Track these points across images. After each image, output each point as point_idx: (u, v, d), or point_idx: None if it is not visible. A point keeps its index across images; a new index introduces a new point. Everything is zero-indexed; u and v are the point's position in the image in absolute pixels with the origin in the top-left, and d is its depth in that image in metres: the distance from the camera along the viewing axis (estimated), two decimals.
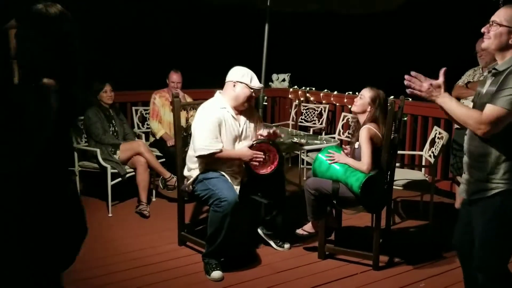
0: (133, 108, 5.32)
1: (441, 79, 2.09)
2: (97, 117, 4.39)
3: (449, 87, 2.21)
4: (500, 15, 2.05)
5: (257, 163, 3.25)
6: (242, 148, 3.30)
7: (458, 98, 3.95)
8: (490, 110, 1.99)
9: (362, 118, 3.32)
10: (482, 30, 2.09)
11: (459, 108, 2.06)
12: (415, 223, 4.20)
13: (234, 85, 3.29)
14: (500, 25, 2.03)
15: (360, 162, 3.16)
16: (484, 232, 2.12)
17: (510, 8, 2.05)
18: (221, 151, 3.19)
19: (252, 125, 3.46)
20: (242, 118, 3.39)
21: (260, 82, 4.95)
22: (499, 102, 1.96)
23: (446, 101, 2.08)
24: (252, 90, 3.29)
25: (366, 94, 3.30)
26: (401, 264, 3.40)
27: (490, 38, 2.07)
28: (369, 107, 3.27)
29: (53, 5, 1.64)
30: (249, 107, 3.50)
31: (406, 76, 2.10)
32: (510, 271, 2.19)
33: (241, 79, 3.28)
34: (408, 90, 2.12)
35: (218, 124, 3.23)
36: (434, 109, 4.18)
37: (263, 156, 3.28)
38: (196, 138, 3.22)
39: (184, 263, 3.37)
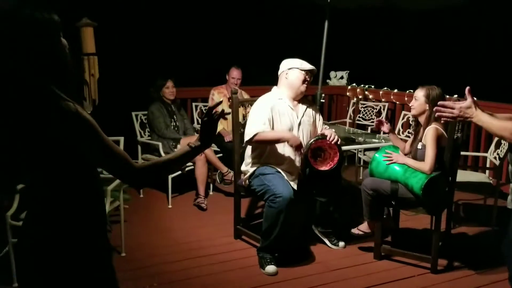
0: (193, 104, 5.49)
1: (469, 100, 2.07)
2: (160, 112, 4.58)
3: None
4: None
5: (302, 150, 3.23)
6: (289, 132, 3.29)
7: None
8: None
9: (422, 119, 3.24)
10: None
11: (493, 123, 2.04)
12: (476, 227, 4.03)
13: (286, 74, 3.36)
14: None
15: (422, 162, 3.08)
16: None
17: None
18: (263, 131, 3.21)
19: (310, 117, 3.47)
20: (301, 110, 3.41)
21: (318, 79, 4.98)
22: None
23: (481, 119, 2.07)
24: (304, 72, 3.32)
25: (419, 94, 3.22)
26: (461, 268, 3.29)
27: None
28: (427, 105, 3.18)
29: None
30: (307, 101, 3.52)
31: (435, 108, 2.15)
32: None
33: (292, 65, 3.35)
34: (442, 120, 2.16)
35: (269, 112, 3.27)
36: (501, 109, 3.98)
37: (305, 148, 3.25)
38: (246, 127, 3.31)
39: (239, 256, 3.44)
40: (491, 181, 4.04)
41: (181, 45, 7.02)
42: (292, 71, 3.35)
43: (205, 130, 1.67)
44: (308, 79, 3.37)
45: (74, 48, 1.62)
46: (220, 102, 1.88)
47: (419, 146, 3.18)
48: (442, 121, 2.15)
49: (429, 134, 3.10)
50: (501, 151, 4.01)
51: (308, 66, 3.37)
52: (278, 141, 3.29)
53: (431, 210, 3.19)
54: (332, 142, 3.26)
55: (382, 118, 3.73)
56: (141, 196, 4.66)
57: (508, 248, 2.12)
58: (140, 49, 6.19)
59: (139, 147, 4.69)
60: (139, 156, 4.66)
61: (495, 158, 4.10)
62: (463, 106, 2.08)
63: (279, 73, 3.43)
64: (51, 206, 1.44)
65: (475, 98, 2.10)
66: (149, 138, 4.72)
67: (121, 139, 3.26)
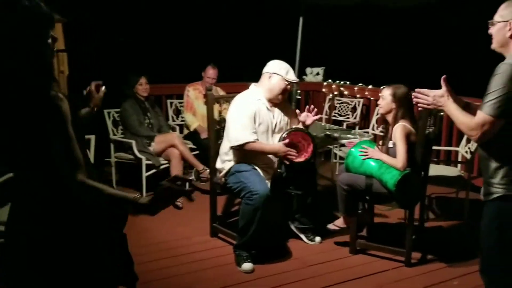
0: (168, 100, 5.42)
1: (443, 88, 2.13)
2: (133, 109, 4.50)
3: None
4: (496, 14, 2.06)
5: (293, 157, 3.24)
6: (275, 144, 3.31)
7: None
8: (478, 116, 1.98)
9: (390, 117, 3.28)
10: (489, 32, 2.09)
11: (457, 115, 2.08)
12: (449, 220, 4.11)
13: (270, 77, 3.32)
14: (496, 22, 2.04)
15: (395, 159, 3.12)
16: (484, 235, 2.14)
17: (505, 3, 2.04)
18: (254, 141, 3.21)
19: (286, 118, 3.47)
20: (277, 111, 3.41)
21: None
22: (484, 108, 1.95)
23: (449, 109, 2.11)
24: (287, 83, 3.30)
25: (386, 93, 3.27)
26: (434, 261, 3.35)
27: (493, 38, 2.08)
28: (393, 104, 3.23)
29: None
30: (283, 102, 3.51)
31: (413, 94, 2.23)
32: None
33: (277, 71, 3.31)
34: (417, 105, 2.24)
35: (253, 116, 3.25)
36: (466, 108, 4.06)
37: (296, 154, 3.27)
38: (231, 129, 3.26)
39: (215, 254, 3.42)
40: (463, 175, 4.12)
41: (155, 41, 6.92)
42: (277, 76, 3.31)
43: (160, 197, 1.47)
44: (289, 89, 3.37)
45: None
46: (191, 180, 1.77)
47: (390, 145, 3.22)
48: (418, 108, 2.22)
49: (397, 132, 3.14)
50: (472, 145, 4.09)
51: (292, 77, 3.34)
52: (263, 153, 3.31)
53: (404, 204, 3.23)
54: (311, 112, 3.34)
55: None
56: None
57: (481, 240, 2.17)
58: (113, 45, 6.07)
59: (112, 146, 4.61)
60: (112, 154, 4.58)
61: (466, 152, 4.18)
62: (437, 94, 2.13)
63: (263, 71, 3.40)
64: (51, 205, 1.42)
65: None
66: (122, 136, 4.64)
67: (92, 137, 3.19)
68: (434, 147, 4.00)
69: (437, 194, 4.60)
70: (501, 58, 2.06)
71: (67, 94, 4.20)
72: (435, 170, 3.97)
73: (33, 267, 1.43)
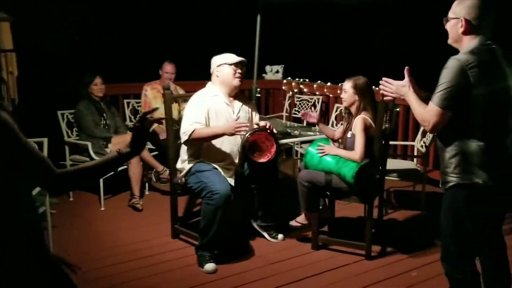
0: (125, 100, 5.29)
1: (406, 79, 2.21)
2: (88, 110, 4.36)
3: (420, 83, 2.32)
4: (450, 10, 2.13)
5: (243, 133, 3.17)
6: (224, 124, 3.26)
7: None
8: (429, 107, 2.07)
9: (353, 109, 3.33)
10: (445, 28, 2.17)
11: (414, 106, 2.17)
12: (407, 212, 4.22)
13: (217, 71, 3.34)
14: (450, 19, 2.11)
15: (353, 151, 3.17)
16: (442, 223, 2.23)
17: (457, 0, 2.11)
18: (200, 128, 3.16)
19: (247, 113, 3.45)
20: (237, 106, 3.39)
21: (253, 74, 4.97)
22: (434, 100, 2.04)
23: (409, 100, 2.20)
24: (233, 66, 3.29)
25: (347, 86, 3.32)
26: (394, 253, 3.42)
27: (449, 34, 2.16)
28: (356, 96, 3.28)
29: None
30: (243, 97, 3.49)
31: (380, 82, 2.31)
32: (476, 268, 2.24)
33: (219, 62, 3.33)
34: (381, 94, 2.32)
35: (205, 110, 3.22)
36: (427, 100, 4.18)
37: (247, 124, 3.21)
38: (182, 126, 3.24)
39: (177, 256, 3.37)
40: (419, 168, 4.24)
41: (112, 39, 6.75)
42: (222, 67, 3.31)
43: (137, 137, 1.58)
44: (240, 71, 3.33)
45: None
46: (156, 109, 1.83)
47: (349, 135, 3.27)
48: (382, 98, 2.32)
49: (357, 124, 3.19)
50: (427, 139, 4.21)
51: (236, 58, 3.33)
52: (215, 136, 3.24)
53: (363, 198, 3.28)
54: (268, 130, 3.27)
55: (308, 110, 3.81)
56: (71, 199, 4.43)
57: (440, 228, 2.26)
58: (66, 44, 5.87)
59: (67, 148, 4.45)
60: (67, 157, 4.42)
61: (422, 146, 4.30)
62: (399, 84, 2.23)
63: (211, 71, 3.39)
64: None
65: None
66: (77, 138, 4.49)
67: (45, 140, 3.06)
68: (391, 142, 4.10)
69: (395, 188, 4.72)
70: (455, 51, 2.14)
71: (16, 95, 4.04)
72: (392, 164, 4.06)
73: None
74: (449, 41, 2.17)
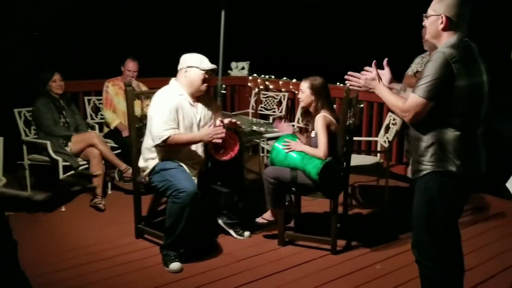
0: (86, 98, 5.13)
1: (374, 72, 2.27)
2: (47, 107, 4.21)
3: (397, 77, 2.41)
4: (429, 8, 2.20)
5: (220, 140, 3.15)
6: (201, 130, 3.24)
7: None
8: (411, 98, 2.11)
9: (311, 109, 3.36)
10: (423, 24, 2.24)
11: (389, 98, 2.23)
12: (371, 207, 4.30)
13: (186, 71, 3.24)
14: (430, 15, 2.18)
15: (317, 149, 3.19)
16: (415, 211, 2.29)
17: None
18: (176, 134, 3.11)
19: (210, 113, 3.41)
20: (200, 106, 3.33)
21: (218, 70, 4.92)
22: (417, 91, 2.09)
23: (380, 92, 2.26)
24: (204, 72, 3.23)
25: (304, 86, 3.35)
26: (358, 247, 3.47)
27: (426, 30, 2.24)
28: (312, 97, 3.31)
29: None
30: (207, 96, 3.44)
31: (345, 77, 2.34)
32: (446, 255, 2.29)
33: (191, 63, 3.23)
34: (349, 86, 2.37)
35: (175, 111, 3.16)
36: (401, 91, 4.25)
37: (223, 130, 3.17)
38: (153, 126, 3.14)
39: (142, 256, 3.30)
40: (382, 163, 4.32)
41: (71, 35, 6.55)
42: (192, 69, 3.21)
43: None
44: (209, 78, 3.26)
45: None
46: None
47: (313, 135, 3.30)
48: (350, 89, 2.35)
49: (318, 122, 3.22)
50: (389, 135, 4.30)
51: (207, 65, 3.24)
52: (191, 143, 3.20)
53: (328, 194, 3.31)
54: (231, 125, 3.25)
55: (281, 121, 3.82)
56: None
57: (412, 216, 2.31)
58: (23, 39, 5.65)
59: (25, 147, 4.28)
60: (25, 156, 4.26)
61: (385, 141, 4.38)
62: (368, 77, 2.27)
63: (178, 67, 3.30)
64: None
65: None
66: (36, 136, 4.32)
67: (0, 139, 2.92)
68: (355, 138, 4.15)
69: (359, 183, 4.79)
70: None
71: None
72: (357, 159, 4.12)
73: None
74: (427, 37, 2.25)
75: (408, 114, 2.12)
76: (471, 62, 2.13)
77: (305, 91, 3.33)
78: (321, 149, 3.17)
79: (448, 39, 2.14)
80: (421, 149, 2.19)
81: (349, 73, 2.33)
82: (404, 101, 2.16)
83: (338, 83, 5.27)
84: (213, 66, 3.28)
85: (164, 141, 3.10)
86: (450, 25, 2.13)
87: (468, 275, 2.45)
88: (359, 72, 2.32)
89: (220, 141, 3.14)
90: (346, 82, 2.36)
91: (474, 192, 2.35)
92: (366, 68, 2.30)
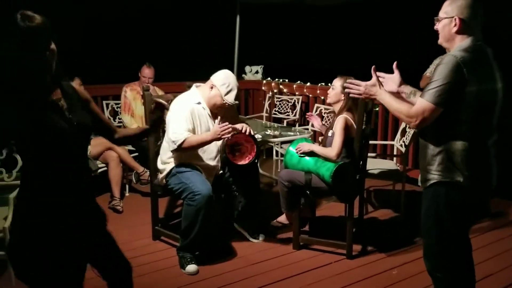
0: (104, 102, 5.22)
1: (373, 78, 2.21)
2: None
3: (414, 78, 2.30)
4: (441, 10, 2.13)
5: (229, 135, 3.16)
6: (207, 133, 3.23)
7: None
8: (419, 103, 2.04)
9: (337, 107, 3.35)
10: (435, 28, 2.17)
11: (393, 103, 2.15)
12: (387, 211, 4.27)
13: (211, 87, 3.25)
14: (442, 18, 2.11)
15: (329, 148, 3.18)
16: (423, 221, 2.22)
17: (448, 0, 2.12)
18: (189, 136, 3.13)
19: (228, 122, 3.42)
20: (218, 118, 3.35)
21: (233, 73, 4.95)
22: (426, 95, 2.01)
23: (382, 98, 2.19)
24: (224, 102, 3.25)
25: (337, 83, 3.32)
26: (374, 252, 3.46)
27: (439, 34, 2.15)
28: (342, 96, 3.29)
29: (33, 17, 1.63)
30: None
31: (345, 85, 2.33)
32: (457, 266, 2.24)
33: (219, 86, 3.22)
34: (350, 95, 2.31)
35: (190, 117, 3.19)
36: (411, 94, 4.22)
37: (230, 125, 3.16)
38: (169, 132, 3.19)
39: (158, 257, 3.34)
40: (398, 168, 4.30)
41: (90, 40, 6.66)
42: (216, 91, 3.22)
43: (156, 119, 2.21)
44: (226, 107, 3.28)
45: None
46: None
47: (329, 134, 3.29)
48: (349, 95, 2.31)
49: (338, 123, 3.21)
50: (406, 139, 4.27)
51: (230, 99, 3.23)
52: (204, 143, 3.22)
53: (343, 198, 3.31)
54: (246, 133, 3.25)
55: (311, 113, 3.80)
56: None
57: (421, 226, 2.26)
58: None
59: None
60: None
61: (401, 145, 4.35)
62: (368, 84, 2.21)
63: (211, 77, 3.29)
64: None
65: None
66: None
67: None
68: (371, 142, 4.14)
69: (374, 187, 4.77)
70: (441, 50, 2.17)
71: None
72: (372, 163, 4.11)
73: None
74: (440, 41, 2.15)
75: (415, 120, 2.03)
76: (484, 67, 2.05)
77: (336, 89, 3.31)
78: (334, 149, 3.15)
79: (461, 42, 2.05)
80: (428, 157, 2.11)
81: (348, 80, 2.30)
82: (409, 106, 2.08)
83: None
84: (235, 102, 3.28)
85: (180, 145, 3.14)
86: (463, 27, 2.04)
87: (489, 280, 2.42)
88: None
89: (229, 135, 3.15)
90: (346, 90, 2.33)
91: (484, 203, 2.28)
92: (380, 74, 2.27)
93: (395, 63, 2.26)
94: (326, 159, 3.20)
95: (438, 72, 1.99)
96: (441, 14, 2.11)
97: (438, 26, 2.13)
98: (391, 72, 2.32)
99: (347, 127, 3.20)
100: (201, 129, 3.25)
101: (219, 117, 3.30)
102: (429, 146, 2.11)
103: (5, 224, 2.75)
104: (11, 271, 2.74)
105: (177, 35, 7.35)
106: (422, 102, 2.02)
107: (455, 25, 2.06)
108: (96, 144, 4.27)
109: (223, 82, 3.22)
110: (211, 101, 3.26)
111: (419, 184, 2.29)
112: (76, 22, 6.43)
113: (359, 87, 2.24)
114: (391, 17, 7.84)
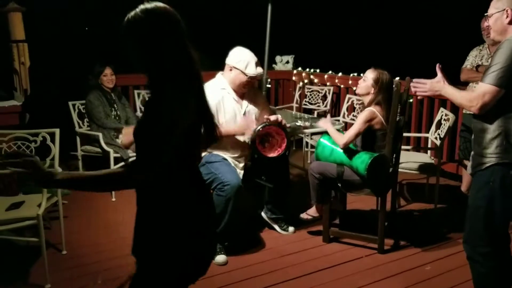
0: (135, 91, 5.27)
1: (439, 75, 2.31)
2: (99, 101, 4.35)
3: (451, 76, 2.43)
4: (490, 8, 2.24)
5: (250, 132, 3.15)
6: (233, 126, 3.23)
7: (468, 82, 3.89)
8: (480, 87, 2.12)
9: (366, 99, 3.27)
10: (483, 26, 2.31)
11: (456, 94, 2.24)
12: (420, 205, 4.17)
13: (230, 69, 3.25)
14: (492, 14, 2.21)
15: (340, 135, 3.18)
16: (472, 205, 2.26)
17: None
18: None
19: (256, 108, 3.40)
20: (244, 103, 3.33)
21: (264, 64, 4.91)
22: (487, 79, 2.08)
23: (447, 92, 2.28)
24: (247, 77, 3.22)
25: (369, 75, 3.24)
26: (407, 247, 3.38)
27: (491, 29, 2.26)
28: (373, 89, 3.21)
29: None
30: (253, 91, 3.44)
31: (411, 84, 2.40)
32: (499, 252, 2.25)
33: (236, 64, 3.21)
34: (418, 95, 2.46)
35: (215, 107, 3.18)
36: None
37: (254, 121, 3.18)
38: None
39: None
40: (433, 161, 4.18)
41: (119, 29, 6.72)
42: (236, 71, 3.21)
43: None
44: (252, 81, 3.25)
45: (1, 34, 1.56)
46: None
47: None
48: (418, 97, 2.41)
49: (362, 114, 3.17)
50: (441, 131, 4.14)
51: (252, 71, 3.20)
52: (227, 135, 3.20)
53: (375, 191, 3.23)
54: (280, 123, 3.22)
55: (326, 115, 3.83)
56: None
57: (468, 211, 2.30)
58: (76, 35, 5.87)
59: (78, 138, 4.45)
60: (78, 147, 4.43)
61: (436, 138, 4.23)
62: (434, 81, 2.31)
63: (226, 61, 3.29)
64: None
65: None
66: (89, 128, 4.49)
67: (57, 131, 3.04)
68: (405, 134, 4.03)
69: (408, 180, 4.66)
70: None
71: (28, 85, 4.04)
72: (406, 156, 4.00)
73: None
74: (492, 36, 2.26)
75: (476, 103, 2.09)
76: None
77: (367, 81, 3.24)
78: (345, 136, 3.12)
79: None
80: (485, 141, 2.16)
81: (414, 80, 2.36)
82: (471, 92, 2.15)
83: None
84: (258, 72, 3.24)
85: None
86: None
87: None
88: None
89: (250, 132, 3.14)
90: (412, 89, 2.39)
91: None
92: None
93: (438, 65, 2.32)
94: (359, 152, 3.14)
95: (497, 56, 2.08)
96: (491, 10, 2.21)
97: (489, 21, 2.22)
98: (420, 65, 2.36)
99: (369, 120, 3.13)
100: (225, 115, 3.23)
101: (245, 110, 3.27)
102: (488, 130, 2.15)
103: (39, 211, 2.81)
104: (45, 257, 2.81)
105: (209, 24, 7.35)
106: (482, 86, 2.10)
107: (507, 16, 2.15)
108: (128, 133, 4.29)
109: (238, 59, 3.22)
110: (236, 81, 3.24)
111: (470, 170, 2.32)
112: (107, 11, 6.50)
113: (424, 85, 2.32)
114: (424, 12, 7.62)
